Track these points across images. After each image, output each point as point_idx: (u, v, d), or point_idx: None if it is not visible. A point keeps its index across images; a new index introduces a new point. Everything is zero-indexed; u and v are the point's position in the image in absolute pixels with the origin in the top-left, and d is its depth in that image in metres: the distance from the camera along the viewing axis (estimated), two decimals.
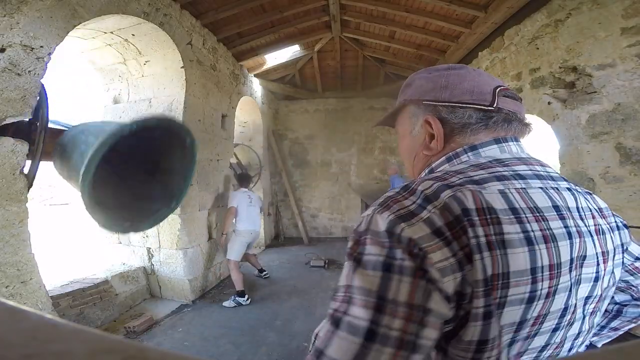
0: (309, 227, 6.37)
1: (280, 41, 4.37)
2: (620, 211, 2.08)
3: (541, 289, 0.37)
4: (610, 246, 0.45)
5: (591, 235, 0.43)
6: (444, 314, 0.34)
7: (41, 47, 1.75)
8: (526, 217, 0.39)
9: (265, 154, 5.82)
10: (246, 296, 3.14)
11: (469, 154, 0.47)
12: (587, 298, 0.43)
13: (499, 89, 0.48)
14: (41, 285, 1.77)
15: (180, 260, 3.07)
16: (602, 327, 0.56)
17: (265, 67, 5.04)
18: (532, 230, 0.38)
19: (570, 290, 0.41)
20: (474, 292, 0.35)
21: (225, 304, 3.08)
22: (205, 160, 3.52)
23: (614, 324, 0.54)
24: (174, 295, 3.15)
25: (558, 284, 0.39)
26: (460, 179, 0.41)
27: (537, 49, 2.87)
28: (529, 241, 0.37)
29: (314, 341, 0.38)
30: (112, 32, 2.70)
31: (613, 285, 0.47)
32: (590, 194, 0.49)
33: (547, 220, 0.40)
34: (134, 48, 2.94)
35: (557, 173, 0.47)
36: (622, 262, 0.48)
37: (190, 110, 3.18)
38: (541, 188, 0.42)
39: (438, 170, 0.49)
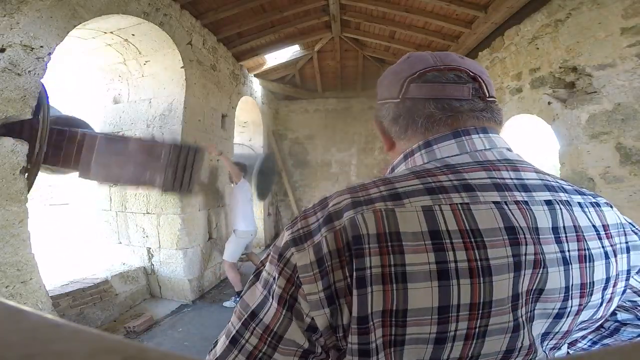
0: None
1: (280, 41, 4.37)
2: (620, 211, 2.07)
3: (455, 330, 0.32)
4: (600, 276, 0.37)
5: (571, 263, 0.35)
6: (302, 346, 0.34)
7: (41, 47, 1.75)
8: (451, 243, 0.32)
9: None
10: None
11: (423, 152, 0.41)
12: (546, 334, 0.37)
13: (415, 74, 0.42)
14: (41, 285, 1.78)
15: (180, 260, 3.08)
16: (594, 343, 0.49)
17: (265, 67, 5.04)
18: (455, 261, 0.31)
19: (517, 331, 0.34)
20: (349, 327, 0.33)
21: (226, 304, 3.08)
22: (205, 160, 3.52)
23: (607, 341, 0.47)
24: (174, 295, 3.15)
25: (487, 325, 0.32)
26: (381, 191, 0.35)
27: (537, 49, 2.87)
28: (443, 274, 0.31)
29: None
30: (112, 32, 2.70)
31: (597, 320, 0.40)
32: (598, 205, 0.40)
33: (486, 248, 0.32)
34: (134, 48, 2.94)
35: (539, 180, 0.38)
36: (624, 290, 0.40)
37: (190, 110, 3.18)
38: (496, 203, 0.35)
39: (397, 169, 0.45)
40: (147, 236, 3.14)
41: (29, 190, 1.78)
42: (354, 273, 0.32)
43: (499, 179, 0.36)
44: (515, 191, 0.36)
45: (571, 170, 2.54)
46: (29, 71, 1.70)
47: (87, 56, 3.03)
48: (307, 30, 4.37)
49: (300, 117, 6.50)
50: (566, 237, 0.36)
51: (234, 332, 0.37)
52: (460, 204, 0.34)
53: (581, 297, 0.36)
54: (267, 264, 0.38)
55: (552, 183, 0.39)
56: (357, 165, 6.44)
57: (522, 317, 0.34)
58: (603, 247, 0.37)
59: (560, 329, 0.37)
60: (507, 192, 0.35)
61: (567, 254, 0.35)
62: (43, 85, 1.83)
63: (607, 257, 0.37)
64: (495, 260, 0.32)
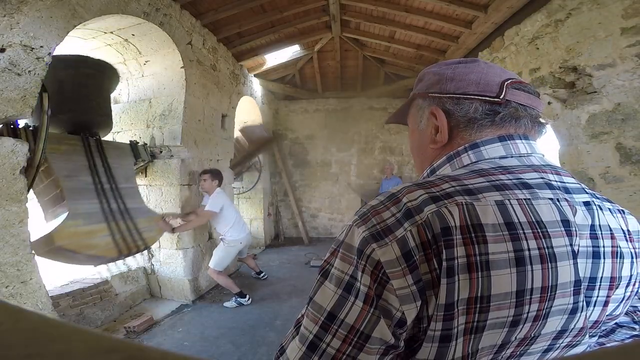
0: (309, 227, 6.37)
1: (280, 41, 4.37)
2: None
3: (528, 312, 0.35)
4: (626, 272, 0.41)
5: (603, 257, 0.39)
6: (387, 342, 0.35)
7: (41, 47, 1.75)
8: (524, 233, 0.35)
9: (265, 154, 5.82)
10: (247, 296, 3.13)
11: (470, 152, 0.44)
12: (595, 322, 0.41)
13: (509, 80, 0.45)
14: (41, 285, 1.77)
15: (180, 260, 3.07)
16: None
17: (265, 67, 5.04)
18: (528, 249, 0.35)
19: (574, 313, 0.38)
20: (434, 315, 0.34)
21: (227, 304, 3.06)
22: (205, 160, 3.52)
23: (602, 340, 0.51)
24: (174, 295, 3.15)
25: (551, 307, 0.36)
26: (453, 186, 0.37)
27: (537, 49, 2.87)
28: (520, 261, 0.35)
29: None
30: (112, 32, 2.70)
31: (616, 317, 0.43)
32: (623, 212, 0.44)
33: (550, 237, 0.36)
34: (134, 48, 2.94)
35: (576, 184, 0.42)
36: (637, 292, 0.44)
37: (190, 110, 3.18)
38: (551, 199, 0.38)
39: (439, 171, 0.47)
40: None
41: (28, 190, 1.78)
42: (444, 263, 0.33)
43: (547, 180, 0.40)
44: (559, 191, 0.40)
45: (571, 171, 2.54)
46: (29, 71, 1.70)
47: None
48: (307, 30, 4.37)
49: (300, 117, 6.50)
50: (602, 234, 0.40)
51: (311, 336, 0.36)
52: (524, 199, 0.37)
53: (609, 289, 0.40)
54: (337, 260, 0.37)
55: (587, 189, 0.43)
56: (357, 165, 6.44)
57: (578, 302, 0.38)
58: (629, 248, 0.41)
59: (590, 318, 0.40)
60: (557, 191, 0.40)
61: (600, 249, 0.39)
62: (44, 86, 1.83)
63: (632, 257, 0.41)
64: (558, 248, 0.36)
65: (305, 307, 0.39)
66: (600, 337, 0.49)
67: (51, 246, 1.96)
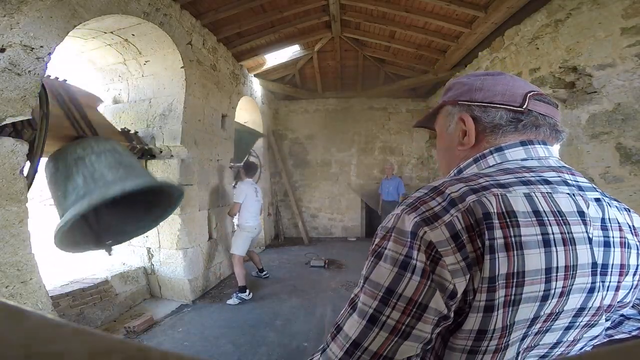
0: (309, 227, 6.37)
1: (280, 41, 4.37)
2: None
3: (555, 288, 0.40)
4: (634, 262, 0.46)
5: (613, 247, 0.45)
6: (441, 312, 0.39)
7: (41, 47, 1.75)
8: (548, 219, 0.41)
9: (265, 154, 5.82)
10: (247, 291, 3.19)
11: (495, 155, 0.50)
12: (609, 306, 0.46)
13: (531, 92, 0.51)
14: (41, 285, 1.77)
15: (180, 260, 3.07)
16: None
17: (265, 67, 5.04)
18: (552, 233, 0.41)
19: (592, 292, 0.43)
20: (479, 287, 0.39)
21: (229, 302, 3.12)
22: (205, 160, 3.52)
23: (610, 331, 0.55)
24: (174, 295, 3.15)
25: (573, 284, 0.41)
26: (488, 181, 0.43)
27: (537, 49, 2.87)
28: (547, 243, 0.40)
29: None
30: (112, 32, 2.70)
31: (626, 305, 0.48)
32: (629, 210, 0.49)
33: (569, 224, 0.42)
34: (134, 48, 2.94)
35: (588, 183, 0.48)
36: None
37: (190, 110, 3.18)
38: (568, 194, 0.44)
39: (466, 171, 0.53)
40: (147, 236, 3.14)
41: (28, 190, 1.78)
42: (486, 242, 0.39)
43: (564, 178, 0.46)
44: (575, 188, 0.46)
45: None
46: (29, 71, 1.70)
47: (87, 56, 3.03)
48: (307, 30, 4.37)
49: (300, 117, 6.50)
50: (611, 226, 0.45)
51: (371, 310, 0.40)
52: (546, 192, 0.43)
53: (620, 275, 0.45)
54: (390, 243, 0.41)
55: (597, 188, 0.49)
56: (357, 165, 6.44)
57: (596, 283, 0.43)
58: (635, 241, 0.47)
59: (604, 301, 0.45)
60: (571, 187, 0.46)
61: (610, 239, 0.45)
62: (44, 86, 1.83)
63: (637, 248, 0.46)
64: (576, 234, 0.42)
65: (359, 287, 0.43)
66: (608, 328, 0.52)
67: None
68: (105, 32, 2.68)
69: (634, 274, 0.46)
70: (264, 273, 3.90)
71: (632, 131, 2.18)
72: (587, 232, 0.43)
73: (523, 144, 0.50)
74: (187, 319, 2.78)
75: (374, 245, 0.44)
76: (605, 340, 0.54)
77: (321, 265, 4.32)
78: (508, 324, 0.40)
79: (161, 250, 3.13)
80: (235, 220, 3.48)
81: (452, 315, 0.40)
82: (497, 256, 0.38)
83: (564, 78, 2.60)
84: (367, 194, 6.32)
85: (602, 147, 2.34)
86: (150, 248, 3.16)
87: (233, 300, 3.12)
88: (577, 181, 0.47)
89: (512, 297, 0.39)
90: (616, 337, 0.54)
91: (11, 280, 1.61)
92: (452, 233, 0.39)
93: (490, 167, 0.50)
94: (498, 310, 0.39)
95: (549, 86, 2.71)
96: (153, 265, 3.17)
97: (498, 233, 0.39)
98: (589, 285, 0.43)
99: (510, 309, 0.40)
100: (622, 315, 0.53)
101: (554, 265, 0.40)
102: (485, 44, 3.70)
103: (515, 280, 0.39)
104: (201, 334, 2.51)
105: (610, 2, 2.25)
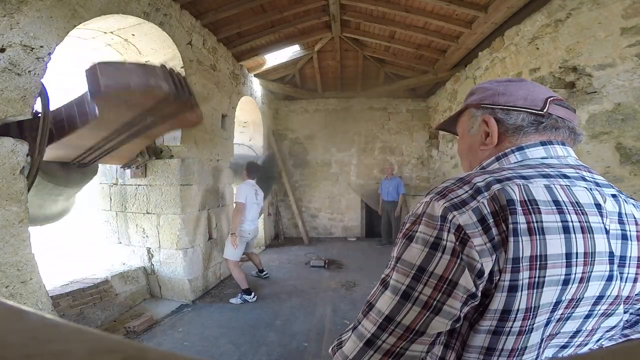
0: (309, 227, 6.37)
1: (280, 41, 4.37)
2: None
3: (575, 273, 0.42)
4: None
5: (630, 240, 0.46)
6: (469, 290, 0.42)
7: (41, 47, 1.75)
8: (567, 209, 0.44)
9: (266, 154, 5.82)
10: (252, 293, 3.19)
11: (516, 153, 0.54)
12: (627, 298, 0.47)
13: (551, 98, 0.55)
14: (41, 285, 1.77)
15: (180, 260, 3.07)
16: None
17: (265, 67, 5.04)
18: (571, 221, 0.43)
19: (610, 280, 0.44)
20: (504, 267, 0.41)
21: (232, 300, 3.13)
22: (205, 160, 3.52)
23: (626, 331, 0.56)
24: (174, 295, 3.15)
25: (592, 271, 0.43)
26: (510, 173, 0.46)
27: (537, 49, 2.87)
28: (566, 229, 0.43)
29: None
30: (112, 32, 2.70)
31: None
32: None
33: (587, 214, 0.44)
34: (134, 48, 2.94)
35: (605, 181, 0.50)
36: None
37: None
38: (585, 188, 0.47)
39: (488, 169, 0.55)
40: (147, 236, 3.14)
41: (28, 190, 1.78)
42: (510, 226, 0.41)
43: (582, 175, 0.49)
44: (592, 184, 0.48)
45: None
46: (29, 71, 1.70)
47: (87, 56, 3.03)
48: (307, 30, 4.37)
49: (300, 117, 6.50)
50: (627, 220, 0.47)
51: (404, 287, 0.43)
52: (565, 185, 0.46)
53: (637, 267, 0.46)
54: (421, 227, 0.45)
55: (615, 187, 0.51)
56: (357, 165, 6.44)
57: (613, 272, 0.45)
58: None
59: (623, 292, 0.46)
60: (588, 183, 0.48)
61: (627, 232, 0.47)
62: (43, 85, 1.83)
63: None
64: (593, 224, 0.44)
65: (390, 268, 0.46)
66: (624, 328, 0.54)
67: (96, 68, 1.69)
68: (105, 32, 2.69)
69: None
70: (264, 273, 3.90)
71: (632, 131, 2.18)
72: (603, 223, 0.44)
73: (543, 144, 0.53)
74: (187, 319, 2.78)
75: (404, 230, 0.47)
76: (621, 340, 0.56)
77: (321, 265, 4.32)
78: (532, 306, 0.42)
79: (161, 250, 3.13)
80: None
81: (479, 294, 0.42)
82: (520, 239, 0.41)
83: (564, 78, 2.60)
84: (367, 194, 6.32)
85: (602, 147, 2.34)
86: (150, 248, 3.16)
87: (236, 300, 3.13)
88: (595, 178, 0.50)
89: (536, 279, 0.41)
90: (632, 337, 0.55)
91: (11, 280, 1.61)
92: (479, 217, 0.42)
93: (511, 164, 0.53)
94: (522, 291, 0.41)
95: (549, 86, 2.71)
96: (153, 265, 3.17)
97: (521, 218, 0.41)
98: (607, 273, 0.44)
99: (535, 291, 0.41)
100: (637, 315, 0.55)
101: (574, 251, 0.42)
102: (485, 44, 3.70)
103: (538, 262, 0.41)
104: (201, 334, 2.51)
105: (610, 2, 2.25)
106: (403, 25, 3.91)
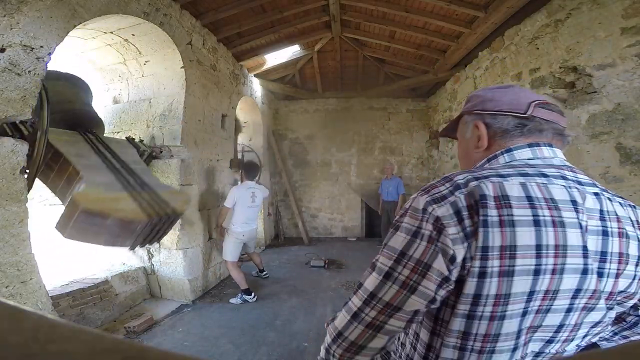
0: (309, 227, 6.37)
1: (280, 41, 4.37)
2: None
3: (546, 264, 0.45)
4: (634, 252, 0.49)
5: (612, 236, 0.49)
6: (443, 273, 0.46)
7: (41, 47, 1.75)
8: (539, 204, 0.46)
9: (265, 154, 5.82)
10: (252, 293, 3.18)
11: (505, 155, 0.58)
12: (610, 294, 0.49)
13: (535, 101, 0.58)
14: (41, 285, 1.77)
15: (180, 260, 3.07)
16: (615, 334, 0.59)
17: (265, 67, 5.03)
18: (543, 215, 0.46)
19: (585, 273, 0.46)
20: (475, 255, 0.45)
21: (232, 300, 3.13)
22: (206, 160, 3.52)
23: (626, 333, 0.58)
24: (174, 295, 3.15)
25: (565, 263, 0.45)
26: (490, 172, 0.50)
27: (537, 49, 2.87)
28: (537, 223, 0.45)
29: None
30: (112, 32, 2.70)
31: (631, 296, 0.50)
32: (634, 207, 0.53)
33: (560, 210, 0.47)
34: (134, 48, 2.94)
35: (589, 180, 0.53)
36: None
37: (190, 110, 3.18)
38: (563, 186, 0.49)
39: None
40: None
41: (28, 190, 1.78)
42: (481, 217, 0.45)
43: (563, 174, 0.52)
44: (574, 183, 0.51)
45: None
46: (29, 71, 1.70)
47: (87, 56, 3.03)
48: (307, 30, 4.37)
49: (300, 117, 6.50)
50: (609, 217, 0.49)
51: (387, 268, 0.49)
52: (542, 183, 0.49)
53: (619, 263, 0.48)
54: (407, 218, 0.51)
55: (599, 185, 0.53)
56: (357, 165, 6.43)
57: (590, 265, 0.47)
58: (636, 233, 0.50)
59: (604, 288, 0.48)
60: (569, 181, 0.50)
61: (608, 229, 0.49)
62: (44, 85, 1.83)
63: (638, 240, 0.50)
64: (566, 218, 0.46)
65: (380, 252, 0.52)
66: (624, 329, 0.57)
67: (76, 212, 1.72)
68: (105, 32, 2.69)
69: (636, 265, 0.49)
70: (264, 273, 3.90)
71: (632, 131, 2.18)
72: (578, 218, 0.47)
73: (530, 145, 0.57)
74: (187, 319, 2.78)
75: (394, 221, 0.53)
76: (622, 341, 0.58)
77: (321, 265, 4.32)
78: (503, 293, 0.45)
79: (161, 250, 3.13)
80: (229, 222, 3.31)
81: (453, 278, 0.46)
82: (490, 230, 0.45)
83: (564, 78, 2.60)
84: (367, 194, 6.32)
85: (602, 147, 2.34)
86: (150, 248, 3.16)
87: (236, 300, 3.13)
88: (577, 177, 0.52)
89: (507, 267, 0.45)
90: (632, 338, 0.57)
91: (11, 280, 1.61)
92: (455, 210, 0.47)
93: (499, 165, 0.56)
94: (492, 277, 0.45)
95: (549, 86, 2.71)
96: (153, 265, 3.17)
97: (493, 212, 0.45)
98: (581, 267, 0.46)
99: (506, 279, 0.45)
100: (637, 316, 0.57)
101: (544, 243, 0.45)
102: (485, 44, 3.70)
103: (508, 252, 0.45)
104: (201, 334, 2.51)
105: (610, 2, 2.25)
106: (403, 25, 3.90)
